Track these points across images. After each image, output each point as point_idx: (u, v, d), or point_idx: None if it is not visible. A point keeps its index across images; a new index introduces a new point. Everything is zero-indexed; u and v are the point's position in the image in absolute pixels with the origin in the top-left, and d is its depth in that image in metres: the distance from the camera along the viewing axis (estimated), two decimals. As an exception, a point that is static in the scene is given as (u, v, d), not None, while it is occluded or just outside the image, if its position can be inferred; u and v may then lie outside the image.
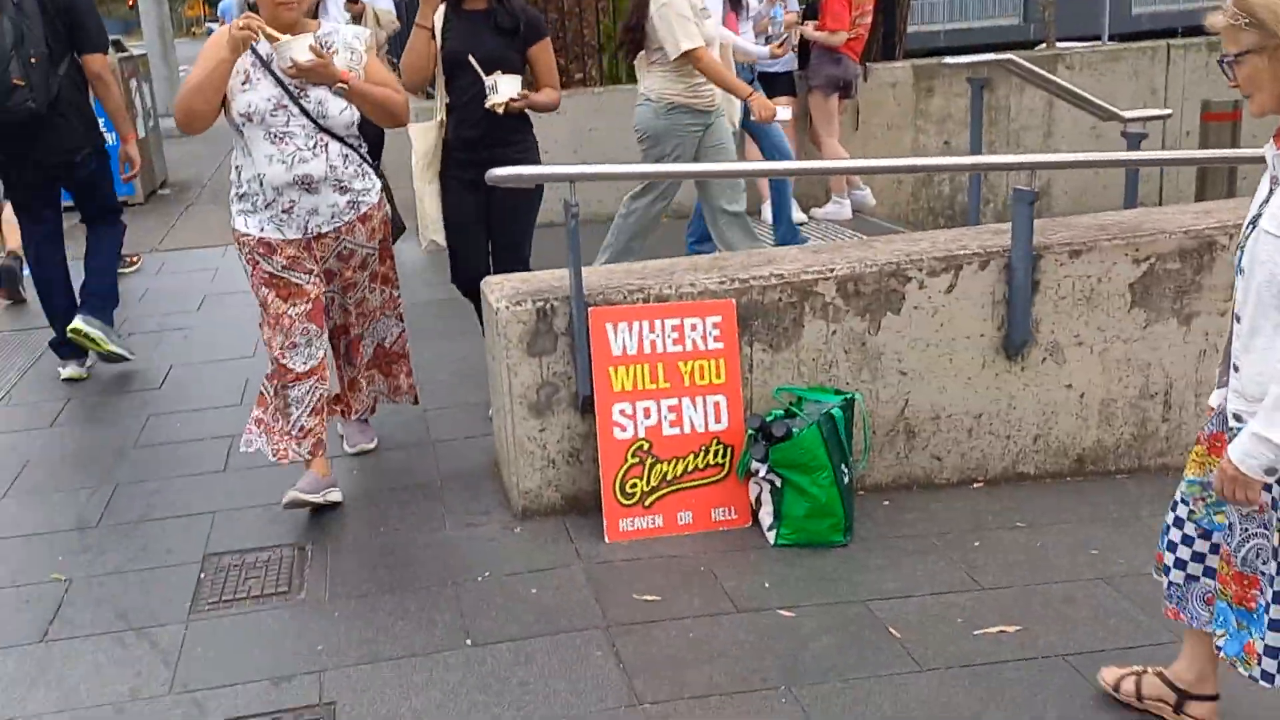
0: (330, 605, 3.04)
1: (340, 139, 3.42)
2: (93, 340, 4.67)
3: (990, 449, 3.71)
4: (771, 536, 3.35)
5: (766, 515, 3.38)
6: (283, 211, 3.39)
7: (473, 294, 4.09)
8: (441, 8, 3.91)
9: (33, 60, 4.21)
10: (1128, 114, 5.77)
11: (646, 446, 3.40)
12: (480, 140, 3.93)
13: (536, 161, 4.04)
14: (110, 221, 4.93)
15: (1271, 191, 2.04)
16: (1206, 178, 6.81)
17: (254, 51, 3.32)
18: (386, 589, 3.14)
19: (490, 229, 4.08)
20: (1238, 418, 2.13)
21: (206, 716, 2.61)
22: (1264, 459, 2.01)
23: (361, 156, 3.50)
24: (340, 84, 3.29)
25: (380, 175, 3.65)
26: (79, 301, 4.80)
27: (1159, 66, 8.10)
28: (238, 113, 3.32)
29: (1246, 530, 2.19)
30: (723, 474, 3.45)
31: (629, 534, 3.38)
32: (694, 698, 2.62)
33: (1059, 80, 5.80)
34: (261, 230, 3.41)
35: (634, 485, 3.39)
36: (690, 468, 3.43)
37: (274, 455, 3.52)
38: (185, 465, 4.00)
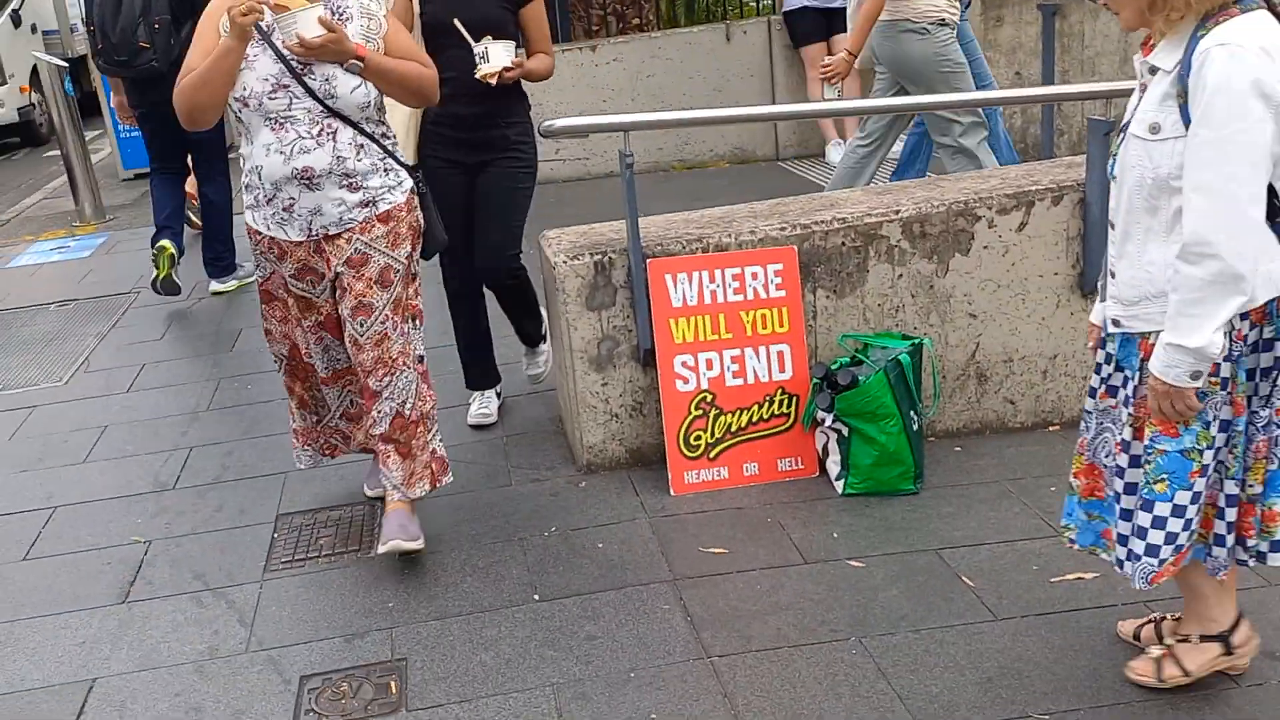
0: (400, 562, 3.07)
1: (354, 124, 2.84)
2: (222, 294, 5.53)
3: (1066, 391, 3.59)
4: (839, 486, 3.29)
5: (834, 465, 3.32)
6: (283, 210, 2.86)
7: (470, 294, 3.73)
8: None
9: (156, 25, 4.83)
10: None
11: (710, 398, 3.36)
12: (475, 119, 3.47)
13: (533, 141, 3.59)
14: (214, 178, 5.41)
15: (1141, 99, 2.09)
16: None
17: (271, 27, 2.79)
18: (454, 545, 3.16)
19: (476, 224, 3.58)
20: (1115, 323, 2.18)
21: (283, 673, 2.67)
22: (1184, 365, 2.01)
23: (383, 148, 2.92)
24: (354, 60, 2.77)
25: (415, 172, 3.09)
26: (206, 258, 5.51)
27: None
28: (232, 97, 2.81)
29: (1101, 424, 2.28)
30: (788, 424, 3.40)
31: (694, 486, 3.36)
32: (762, 650, 2.60)
33: None
34: (269, 228, 2.92)
35: (698, 437, 3.36)
36: (755, 418, 3.38)
37: (325, 453, 3.33)
38: (257, 427, 4.07)
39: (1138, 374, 2.15)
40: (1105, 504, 2.32)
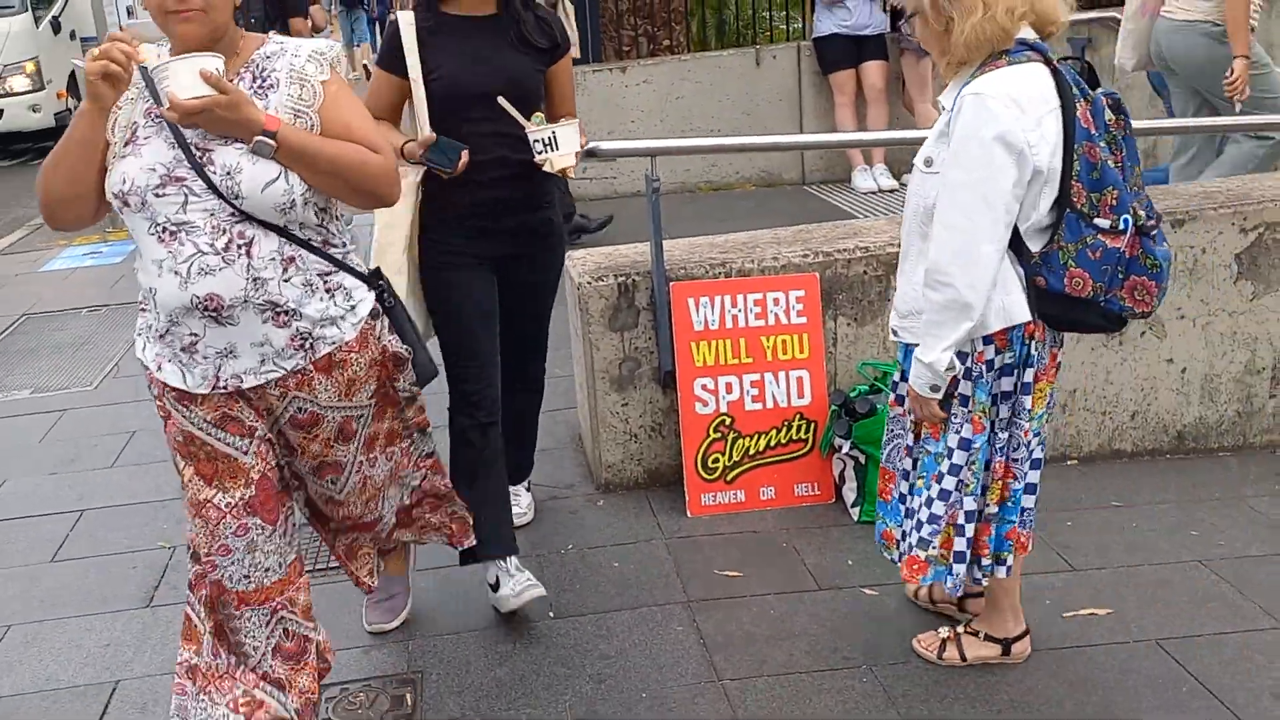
0: (418, 575, 3.11)
1: (280, 230, 2.06)
2: None
3: (1085, 425, 3.60)
4: (855, 513, 3.31)
5: (850, 492, 3.34)
6: (182, 350, 2.08)
7: (490, 423, 2.84)
8: (407, 17, 2.70)
9: (252, 21, 5.44)
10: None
11: (729, 421, 3.39)
12: (516, 204, 2.80)
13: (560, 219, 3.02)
14: None
15: (943, 134, 2.24)
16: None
17: (149, 86, 2.01)
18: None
19: (507, 318, 2.91)
20: (894, 332, 2.41)
21: (301, 681, 2.70)
22: (925, 377, 2.24)
23: (327, 257, 2.13)
24: (262, 137, 1.98)
25: (377, 282, 2.26)
26: None
27: (1275, 19, 7.66)
28: (109, 192, 2.05)
29: (891, 430, 2.49)
30: (806, 449, 3.43)
31: (711, 509, 3.39)
32: (774, 675, 2.62)
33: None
34: (160, 369, 2.13)
35: (716, 460, 3.39)
36: (773, 443, 3.41)
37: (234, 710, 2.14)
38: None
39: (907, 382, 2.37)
40: (889, 506, 2.52)
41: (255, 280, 2.03)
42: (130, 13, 8.74)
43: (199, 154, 2.02)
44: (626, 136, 7.44)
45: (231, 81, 2.00)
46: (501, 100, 2.68)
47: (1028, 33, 2.16)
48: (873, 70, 7.15)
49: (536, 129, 2.70)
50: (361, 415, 2.26)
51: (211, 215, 2.02)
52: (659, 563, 3.14)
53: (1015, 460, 2.35)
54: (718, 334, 3.39)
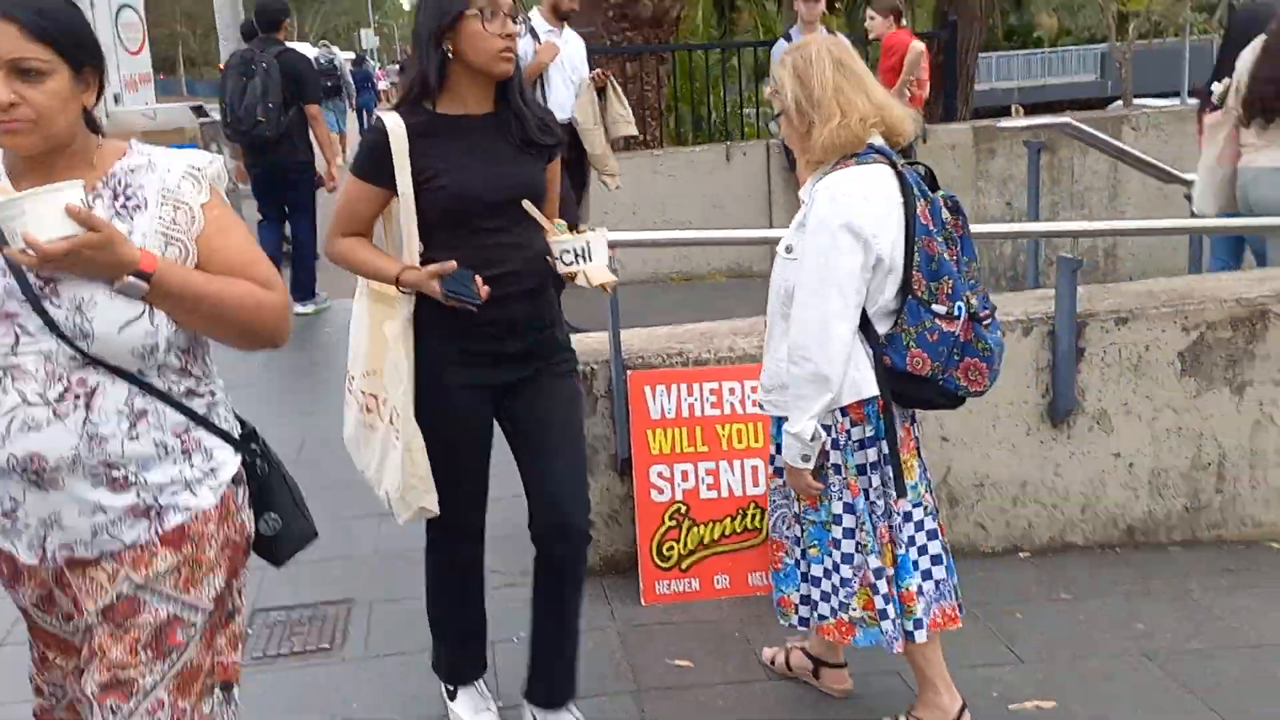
0: (370, 663, 3.10)
1: (132, 378, 1.69)
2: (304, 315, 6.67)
3: (1036, 518, 3.65)
4: (808, 603, 3.33)
5: (803, 581, 3.36)
6: (3, 515, 1.72)
7: (477, 564, 2.72)
8: (395, 120, 2.37)
9: (270, 105, 6.43)
10: (1190, 176, 5.69)
11: (684, 509, 3.42)
12: (526, 323, 2.49)
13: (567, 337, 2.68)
14: (302, 218, 6.85)
15: (800, 225, 2.44)
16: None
17: None
18: (425, 647, 3.18)
19: (530, 466, 2.58)
20: (761, 406, 2.58)
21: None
22: (795, 449, 2.39)
23: (188, 412, 1.75)
24: (132, 277, 1.63)
25: (249, 444, 1.90)
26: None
27: (1228, 127, 7.95)
28: None
29: (774, 501, 2.63)
30: (760, 538, 3.45)
31: (665, 597, 3.40)
32: (719, 766, 2.61)
33: (1118, 143, 5.77)
34: None
35: (671, 548, 3.41)
36: (727, 531, 3.44)
37: None
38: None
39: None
40: (782, 573, 2.64)
41: (91, 438, 1.65)
42: (117, 99, 8.90)
43: (40, 285, 1.64)
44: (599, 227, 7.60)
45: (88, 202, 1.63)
46: (528, 206, 2.40)
47: (877, 139, 2.40)
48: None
49: (567, 238, 2.42)
50: (194, 625, 1.75)
51: (46, 359, 1.64)
52: (611, 651, 3.13)
53: (893, 526, 2.48)
54: (674, 422, 3.45)
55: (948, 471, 3.60)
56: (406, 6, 55.39)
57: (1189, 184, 5.53)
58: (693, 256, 7.69)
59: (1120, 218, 7.84)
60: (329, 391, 5.31)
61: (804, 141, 2.41)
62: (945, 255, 2.36)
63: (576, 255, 2.43)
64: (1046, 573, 3.51)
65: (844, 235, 2.30)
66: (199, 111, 9.36)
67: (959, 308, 2.37)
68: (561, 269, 2.44)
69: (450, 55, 2.36)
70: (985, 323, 2.43)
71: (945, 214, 2.42)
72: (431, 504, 2.48)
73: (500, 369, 2.49)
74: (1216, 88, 4.79)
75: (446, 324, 2.40)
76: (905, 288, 2.36)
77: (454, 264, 2.32)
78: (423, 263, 2.39)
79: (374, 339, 2.54)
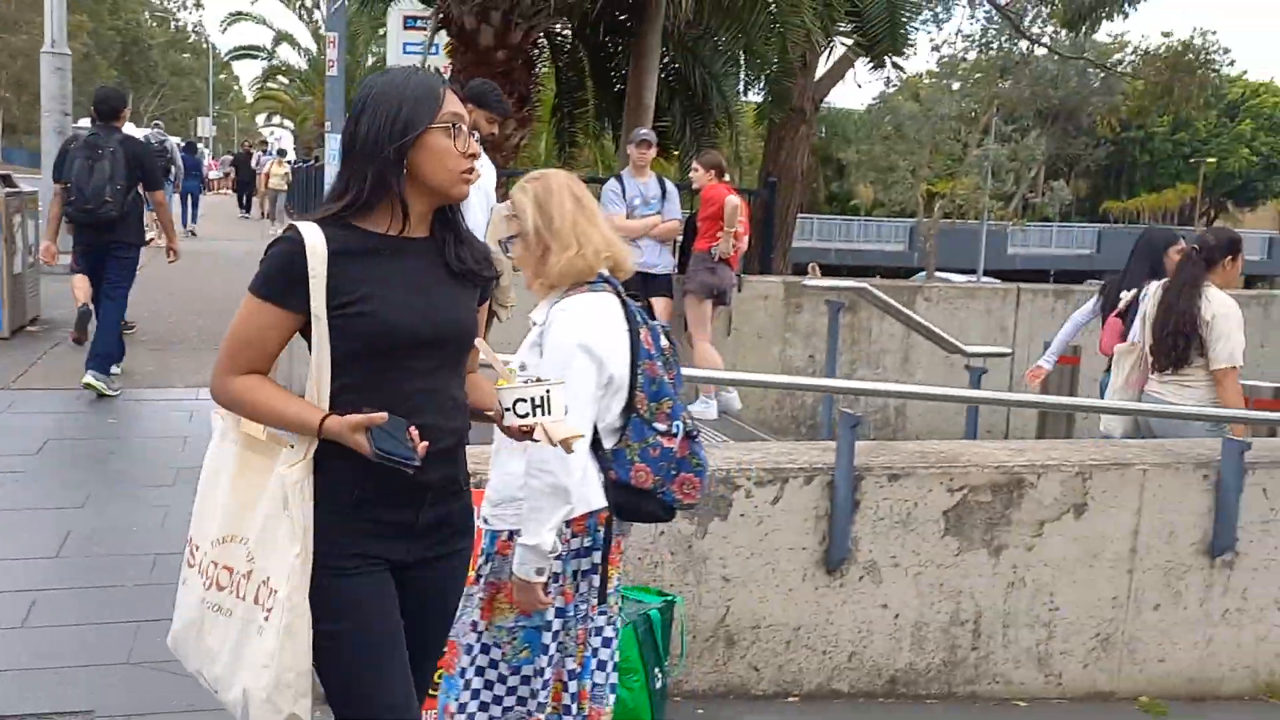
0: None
1: None
2: (94, 388, 6.58)
3: (807, 663, 3.76)
4: None
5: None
6: None
7: None
8: (312, 233, 1.98)
9: (117, 188, 6.75)
10: (970, 349, 6.20)
11: (461, 635, 3.35)
12: (439, 488, 2.09)
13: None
14: (120, 296, 6.95)
15: (534, 345, 2.56)
16: (1047, 416, 7.26)
17: None
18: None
19: (412, 637, 2.12)
20: (485, 520, 2.58)
21: None
22: (531, 562, 2.44)
23: None
24: None
25: None
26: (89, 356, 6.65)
27: (1009, 307, 8.73)
28: None
29: (464, 607, 2.58)
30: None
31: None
32: None
33: (908, 312, 6.23)
34: None
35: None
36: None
37: None
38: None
39: (489, 564, 2.56)
40: (452, 680, 2.64)
41: None
42: None
43: None
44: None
45: None
46: (483, 346, 2.14)
47: (605, 270, 2.59)
48: (658, 305, 7.61)
49: (521, 387, 2.06)
50: None
51: None
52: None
53: (588, 630, 2.61)
54: (461, 545, 3.40)
55: (727, 612, 3.68)
56: (250, 100, 54.66)
57: (967, 354, 6.01)
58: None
59: (909, 379, 8.40)
60: (103, 484, 5.01)
61: (539, 265, 2.55)
62: (665, 378, 2.58)
63: (534, 406, 2.05)
64: (810, 718, 3.61)
65: (581, 355, 2.46)
66: (6, 181, 8.86)
67: (677, 426, 2.58)
68: (512, 421, 2.05)
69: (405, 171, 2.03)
70: (697, 440, 2.63)
71: (663, 340, 2.64)
72: (304, 711, 1.98)
73: (406, 543, 2.07)
74: (1125, 296, 5.14)
75: (350, 485, 2.00)
76: (629, 406, 2.54)
77: (385, 414, 1.91)
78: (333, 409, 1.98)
79: (240, 495, 2.04)
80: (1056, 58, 25.64)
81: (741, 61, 10.99)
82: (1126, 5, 14.46)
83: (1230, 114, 54.09)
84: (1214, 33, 33.47)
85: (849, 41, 11.62)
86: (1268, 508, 4.07)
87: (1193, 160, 55.70)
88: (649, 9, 10.04)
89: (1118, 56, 29.12)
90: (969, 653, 3.88)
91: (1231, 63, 45.66)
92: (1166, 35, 25.83)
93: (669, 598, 3.48)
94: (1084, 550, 3.93)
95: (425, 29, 13.06)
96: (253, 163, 26.47)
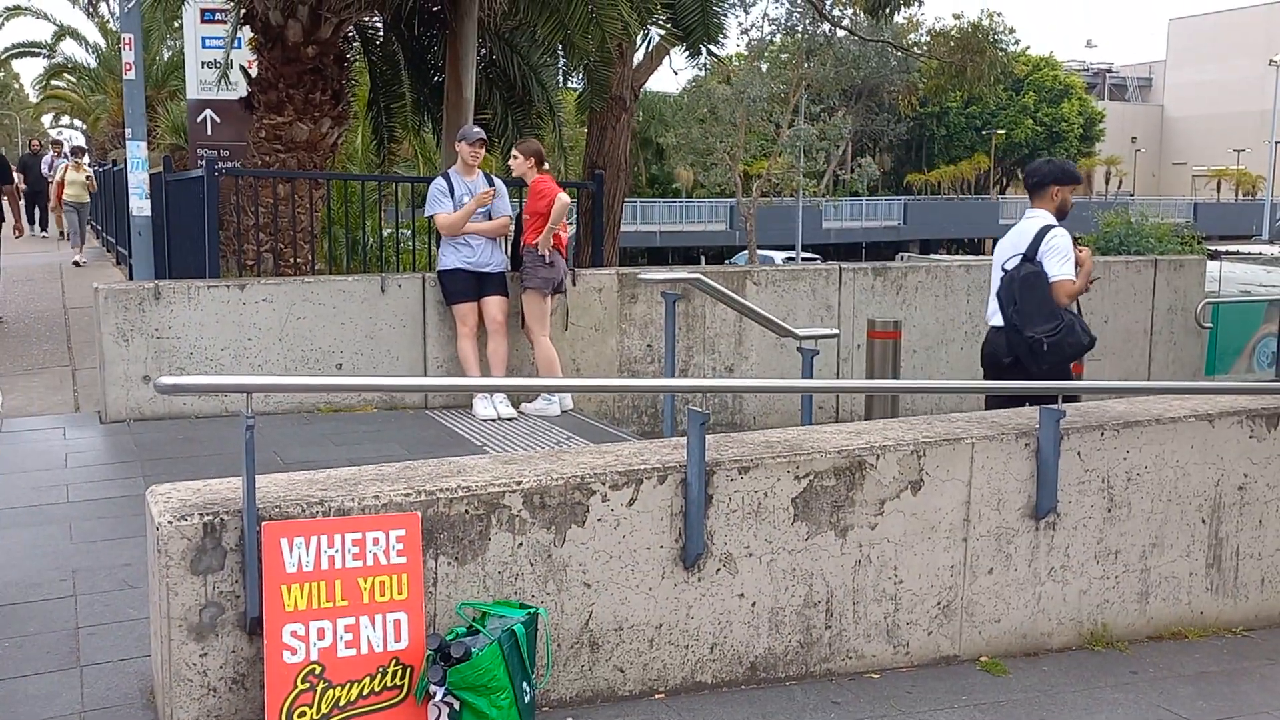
0: None
1: None
2: None
3: (670, 659, 3.81)
4: (449, 762, 3.23)
5: (445, 739, 3.27)
6: None
7: None
8: None
9: None
10: (801, 332, 6.40)
11: (319, 670, 3.23)
12: None
13: None
14: None
15: None
16: (874, 397, 7.59)
17: None
18: None
19: None
20: None
21: None
22: None
23: None
24: None
25: None
26: None
27: (833, 287, 9.06)
28: None
29: None
30: (400, 696, 3.33)
31: (295, 767, 3.16)
32: None
33: (741, 300, 6.37)
34: None
35: (303, 713, 3.19)
36: (366, 691, 3.28)
37: None
38: None
39: None
40: None
41: None
42: None
43: None
44: (243, 354, 7.23)
45: None
46: None
47: None
48: (493, 304, 7.54)
49: None
50: None
51: None
52: (230, 835, 2.85)
53: None
54: (313, 576, 3.28)
55: (590, 617, 3.69)
56: (34, 100, 50.65)
57: (799, 338, 6.20)
58: (341, 387, 7.48)
59: (744, 362, 8.61)
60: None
61: None
62: None
63: None
64: (677, 714, 3.66)
65: None
66: None
67: None
68: None
69: None
70: None
71: None
72: None
73: None
74: None
75: None
76: None
77: None
78: None
79: None
80: (858, 39, 26.71)
81: (560, 52, 10.95)
82: (922, -9, 15.21)
83: (1015, 88, 57.77)
84: (1000, 14, 35.63)
85: (663, 31, 11.75)
86: (1083, 470, 4.38)
87: (984, 132, 59.24)
88: (463, 1, 9.87)
89: (912, 37, 30.60)
90: (823, 632, 4.02)
91: (1017, 42, 48.73)
92: (957, 17, 27.32)
93: (532, 610, 3.46)
94: (923, 524, 4.12)
95: (225, 22, 12.44)
96: (43, 166, 21.81)
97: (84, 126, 40.99)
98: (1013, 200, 55.78)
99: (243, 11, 9.49)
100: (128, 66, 7.92)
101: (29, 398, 7.85)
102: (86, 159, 20.86)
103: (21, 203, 14.39)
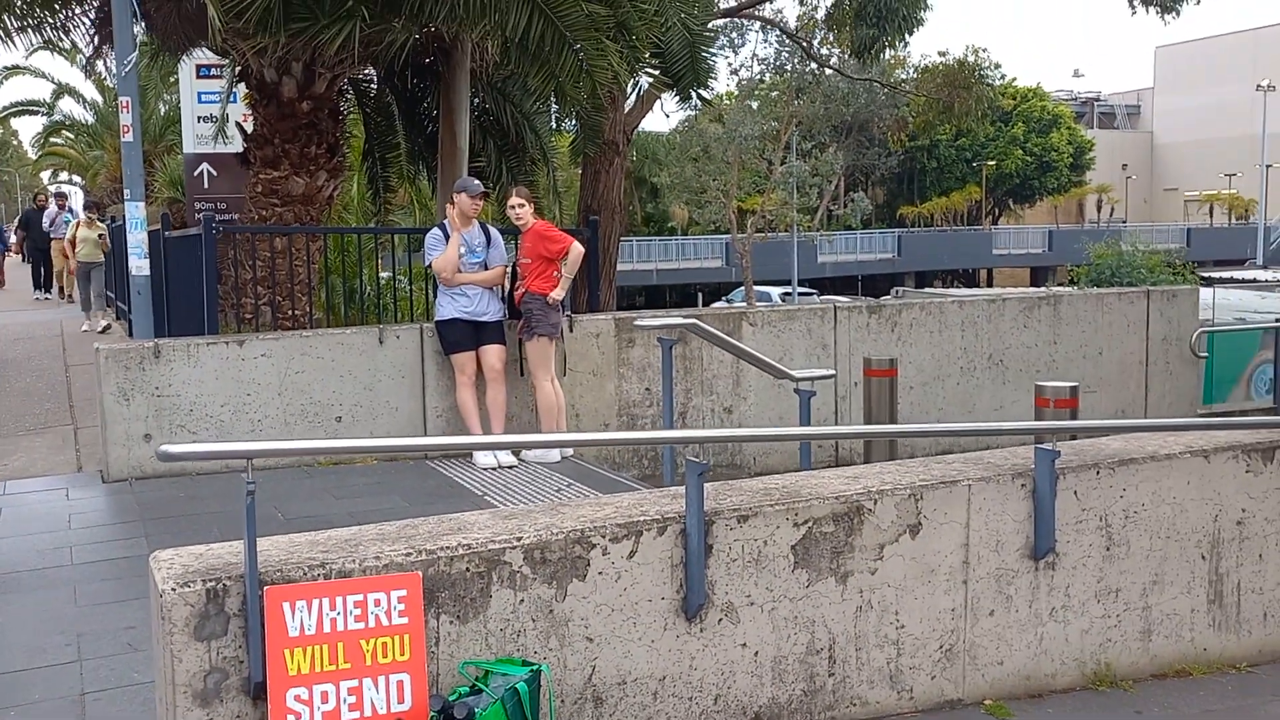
0: None
1: None
2: None
3: (674, 711, 3.80)
4: (455, 824, 3.23)
5: (450, 800, 3.26)
6: None
7: None
8: None
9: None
10: (798, 374, 6.44)
11: (323, 733, 3.23)
12: None
13: None
14: None
15: None
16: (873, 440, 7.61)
17: None
18: None
19: None
20: None
21: None
22: None
23: None
24: None
25: None
26: None
27: (828, 325, 9.12)
28: None
29: None
30: (405, 757, 3.33)
31: (301, 833, 3.15)
32: None
33: (737, 343, 6.42)
34: None
35: (308, 777, 3.20)
36: (370, 753, 3.29)
37: None
38: None
39: None
40: None
41: None
42: None
43: None
44: (242, 410, 7.26)
45: None
46: None
47: None
48: (491, 353, 7.58)
49: None
50: None
51: None
52: None
53: None
54: (315, 639, 3.29)
55: (593, 671, 3.69)
56: (34, 157, 50.97)
57: (796, 379, 6.24)
58: (342, 439, 7.49)
59: (743, 403, 8.64)
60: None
61: None
62: None
63: None
64: (685, 766, 3.65)
65: None
66: None
67: None
68: None
69: None
70: None
71: None
72: None
73: None
74: None
75: None
76: None
77: None
78: None
79: None
80: (846, 78, 27.01)
81: (553, 99, 11.09)
82: (905, 34, 15.43)
83: (1004, 119, 58.26)
84: (985, 50, 36.07)
85: (653, 79, 11.90)
86: (1080, 509, 4.40)
87: (975, 164, 59.64)
88: (455, 53, 10.01)
89: (899, 73, 30.93)
90: (826, 679, 4.02)
91: (1003, 76, 49.26)
92: (943, 54, 27.70)
93: (534, 666, 3.46)
94: (922, 567, 4.14)
95: (221, 77, 12.59)
96: (44, 222, 19.06)
97: (83, 182, 41.30)
98: (1005, 230, 56.15)
99: (238, 69, 9.62)
100: (125, 129, 8.03)
101: (32, 458, 7.87)
102: (98, 214, 16.62)
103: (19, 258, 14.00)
